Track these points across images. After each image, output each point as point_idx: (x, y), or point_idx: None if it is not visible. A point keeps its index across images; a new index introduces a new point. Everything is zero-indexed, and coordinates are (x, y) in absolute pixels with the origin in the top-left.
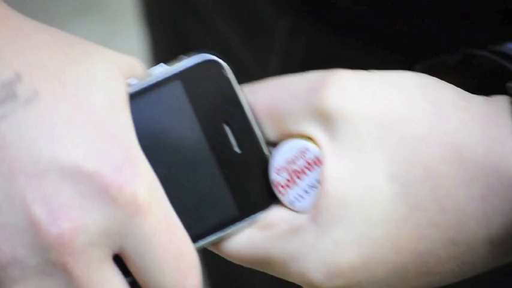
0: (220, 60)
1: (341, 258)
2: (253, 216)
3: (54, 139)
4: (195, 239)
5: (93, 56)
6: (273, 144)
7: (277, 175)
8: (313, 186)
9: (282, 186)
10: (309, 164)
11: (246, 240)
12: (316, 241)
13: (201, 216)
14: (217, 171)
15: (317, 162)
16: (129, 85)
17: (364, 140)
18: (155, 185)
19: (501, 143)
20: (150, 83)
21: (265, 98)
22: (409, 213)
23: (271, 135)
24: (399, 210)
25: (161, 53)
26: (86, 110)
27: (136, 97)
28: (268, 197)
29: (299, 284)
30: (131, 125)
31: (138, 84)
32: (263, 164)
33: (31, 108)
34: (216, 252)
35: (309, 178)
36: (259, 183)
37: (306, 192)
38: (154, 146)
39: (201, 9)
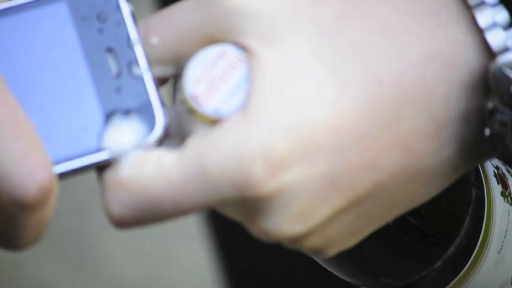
0: None
1: (279, 143)
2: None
3: None
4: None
5: None
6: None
7: (194, 88)
8: (241, 84)
9: (202, 97)
10: (231, 64)
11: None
12: (248, 131)
13: (69, 146)
14: (96, 102)
15: (241, 58)
16: None
17: (281, 29)
18: None
19: None
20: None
21: (157, 25)
22: (341, 89)
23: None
24: (330, 87)
25: None
26: None
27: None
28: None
29: (233, 195)
30: None
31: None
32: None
33: None
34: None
35: (235, 77)
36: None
37: (233, 93)
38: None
39: None
